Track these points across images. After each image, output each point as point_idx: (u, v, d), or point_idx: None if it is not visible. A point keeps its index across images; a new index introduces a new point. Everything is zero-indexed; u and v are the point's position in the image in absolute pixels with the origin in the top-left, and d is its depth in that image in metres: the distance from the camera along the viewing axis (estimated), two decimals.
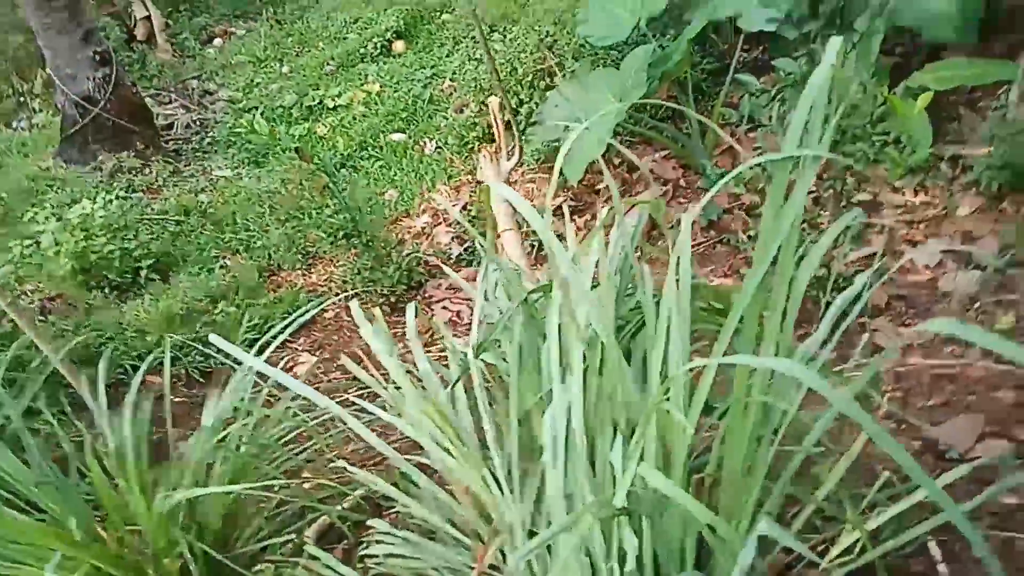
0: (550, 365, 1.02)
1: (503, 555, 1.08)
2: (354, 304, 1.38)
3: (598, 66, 3.68)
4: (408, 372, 1.31)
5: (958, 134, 2.89)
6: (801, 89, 2.79)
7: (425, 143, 4.52)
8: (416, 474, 1.21)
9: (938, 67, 2.85)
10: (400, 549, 1.21)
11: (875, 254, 2.73)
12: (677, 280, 0.94)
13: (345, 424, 1.91)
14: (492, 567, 1.08)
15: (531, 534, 1.02)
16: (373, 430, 1.31)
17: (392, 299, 3.31)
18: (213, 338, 1.22)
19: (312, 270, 3.59)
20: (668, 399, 0.87)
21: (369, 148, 4.55)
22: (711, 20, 3.11)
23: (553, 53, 4.04)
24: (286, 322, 1.80)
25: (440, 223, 3.82)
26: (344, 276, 3.45)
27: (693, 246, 2.97)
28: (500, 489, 1.06)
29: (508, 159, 2.06)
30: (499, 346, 1.17)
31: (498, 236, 2.93)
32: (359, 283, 3.31)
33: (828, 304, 2.08)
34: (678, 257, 0.97)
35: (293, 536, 1.51)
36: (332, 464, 1.51)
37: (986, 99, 2.92)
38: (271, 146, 4.61)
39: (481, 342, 1.08)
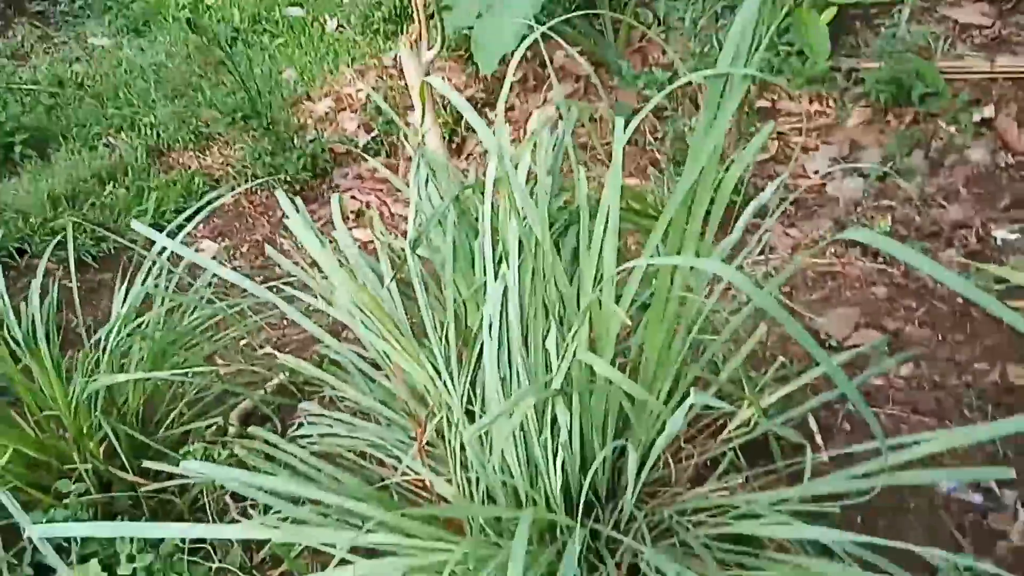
0: (485, 258, 1.05)
1: (438, 434, 1.15)
2: (280, 193, 1.35)
3: None
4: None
5: (854, 48, 3.03)
6: None
7: (326, 20, 4.27)
8: (349, 357, 1.23)
9: None
10: (335, 429, 1.26)
11: (771, 159, 2.90)
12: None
13: (254, 316, 1.91)
14: (430, 444, 1.15)
15: (468, 413, 1.09)
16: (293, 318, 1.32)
17: (296, 187, 3.21)
18: (136, 225, 1.17)
19: (207, 152, 3.40)
20: (602, 294, 0.93)
21: (264, 22, 4.26)
22: None
23: None
24: (196, 207, 1.73)
25: (344, 108, 3.68)
26: (243, 160, 3.30)
27: (603, 144, 3.03)
28: (438, 372, 1.11)
29: (429, 48, 2.00)
30: (430, 241, 1.19)
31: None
32: (260, 169, 3.18)
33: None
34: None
35: (218, 420, 1.53)
36: (252, 351, 1.51)
37: (882, 16, 3.05)
38: (154, 14, 4.22)
39: (417, 235, 1.09)
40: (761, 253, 2.31)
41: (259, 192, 3.19)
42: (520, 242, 1.04)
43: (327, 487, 1.06)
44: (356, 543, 0.93)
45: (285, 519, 0.96)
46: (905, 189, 2.57)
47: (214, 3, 4.42)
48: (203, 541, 1.38)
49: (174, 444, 1.48)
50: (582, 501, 0.95)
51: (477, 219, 1.12)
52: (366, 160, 3.43)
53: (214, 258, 2.76)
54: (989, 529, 1.44)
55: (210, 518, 1.38)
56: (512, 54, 3.20)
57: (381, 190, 3.35)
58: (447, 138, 3.28)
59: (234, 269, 2.68)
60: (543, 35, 3.80)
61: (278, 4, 4.30)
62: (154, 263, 1.63)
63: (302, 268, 1.38)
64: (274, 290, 1.58)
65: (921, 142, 2.74)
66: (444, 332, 1.10)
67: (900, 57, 2.81)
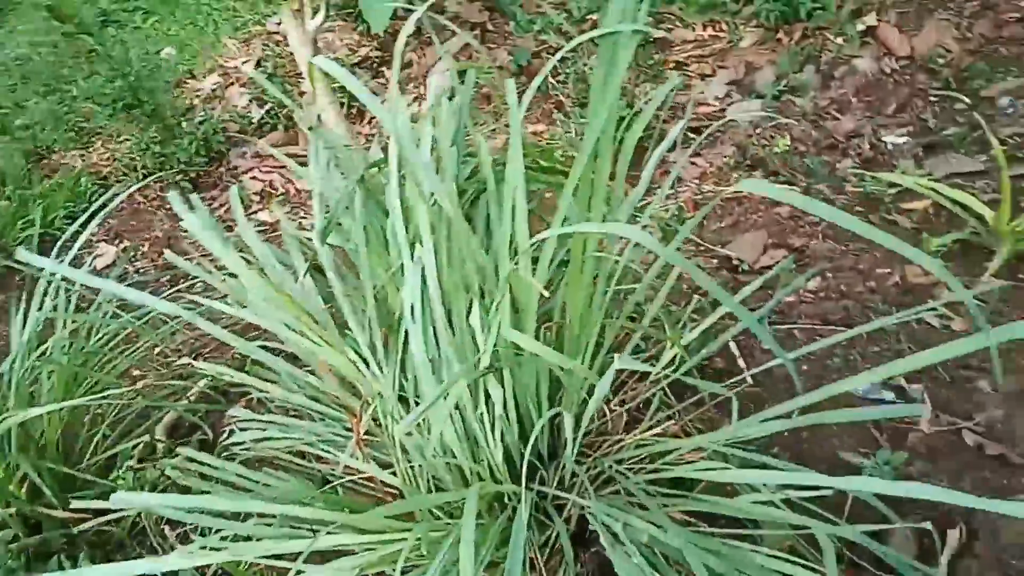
0: (398, 240, 1.03)
1: (375, 422, 1.14)
2: (172, 196, 1.28)
3: None
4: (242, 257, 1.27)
5: None
6: None
7: None
8: (270, 358, 1.20)
9: None
10: (268, 432, 1.24)
11: (672, 90, 2.92)
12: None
13: (169, 321, 1.84)
14: (367, 433, 1.14)
15: (401, 399, 1.08)
16: (208, 321, 1.27)
17: (192, 174, 3.07)
18: (22, 254, 1.09)
19: (91, 149, 3.20)
20: (518, 267, 0.93)
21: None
22: None
23: None
24: (88, 212, 1.63)
25: (233, 83, 3.51)
26: (131, 153, 3.12)
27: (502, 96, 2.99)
28: (365, 362, 1.10)
29: (313, 16, 1.91)
30: (340, 226, 1.16)
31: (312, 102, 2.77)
32: (149, 160, 3.02)
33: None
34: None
35: (144, 438, 1.47)
36: (169, 361, 1.46)
37: None
38: (10, 1, 3.89)
39: (325, 225, 1.06)
40: (672, 187, 2.37)
41: (153, 185, 3.03)
42: (431, 220, 1.02)
43: (268, 497, 1.05)
44: (307, 548, 0.92)
45: (229, 538, 0.94)
46: (799, 105, 2.65)
47: None
48: None
49: (101, 470, 1.43)
50: (524, 466, 0.97)
51: (384, 198, 1.09)
52: (262, 136, 3.30)
53: (114, 263, 2.63)
54: (901, 422, 1.55)
55: (152, 542, 1.34)
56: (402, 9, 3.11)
57: (284, 167, 3.23)
58: (346, 104, 3.18)
59: (136, 272, 2.57)
60: None
61: None
62: (50, 281, 1.54)
63: (207, 269, 1.32)
64: (181, 293, 1.52)
65: (812, 57, 2.81)
66: (366, 320, 1.09)
67: None
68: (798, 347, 1.73)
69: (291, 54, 3.48)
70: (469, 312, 0.98)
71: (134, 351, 1.57)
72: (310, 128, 1.27)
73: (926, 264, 0.76)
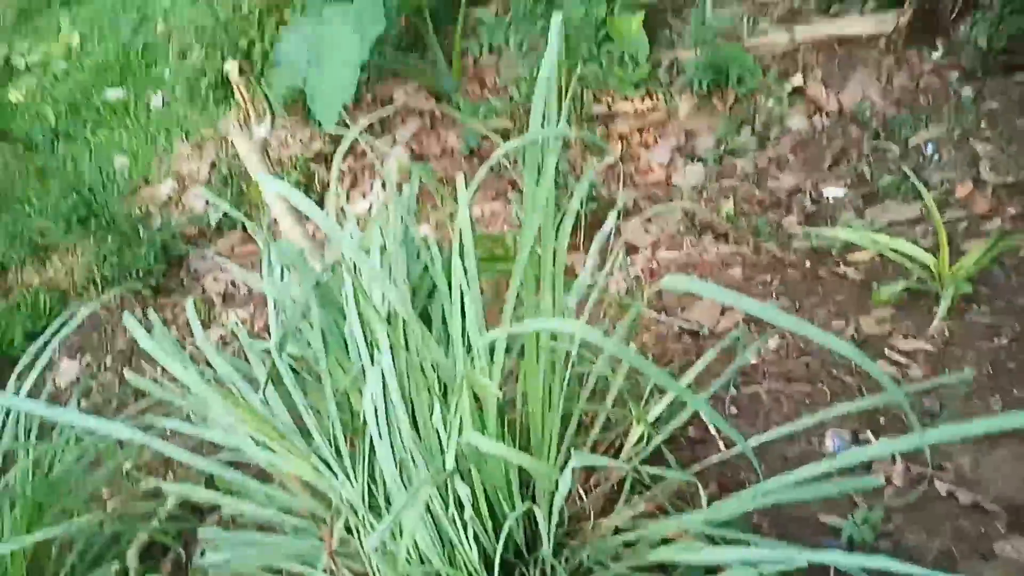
0: (357, 345, 1.05)
1: (348, 531, 1.13)
2: (128, 318, 1.28)
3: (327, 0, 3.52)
4: (199, 372, 1.27)
5: (670, 41, 3.21)
6: (533, 17, 2.90)
7: (150, 97, 4.10)
8: (238, 476, 1.19)
9: None
10: (239, 551, 1.21)
11: (617, 162, 3.02)
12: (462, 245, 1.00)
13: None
14: (342, 542, 1.13)
15: (371, 507, 1.08)
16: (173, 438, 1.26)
17: (152, 281, 3.06)
18: None
19: (47, 264, 3.18)
20: (474, 366, 0.95)
21: (83, 111, 4.04)
22: None
23: None
24: (48, 333, 1.62)
25: (188, 187, 3.54)
26: (89, 266, 3.11)
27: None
28: (332, 471, 1.10)
29: (259, 123, 1.95)
30: (299, 332, 1.17)
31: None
32: (108, 271, 3.01)
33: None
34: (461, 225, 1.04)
35: (115, 564, 1.43)
36: (138, 479, 1.43)
37: (688, 5, 3.25)
38: None
39: (282, 337, 1.07)
40: (626, 256, 2.42)
41: (113, 297, 3.02)
42: (388, 320, 1.04)
43: None
44: None
45: None
46: (741, 167, 2.76)
47: (22, 100, 4.14)
48: None
49: None
50: (497, 567, 0.96)
51: (340, 302, 1.11)
52: (221, 237, 3.32)
53: (77, 379, 2.59)
54: (875, 477, 1.57)
55: None
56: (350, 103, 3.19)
57: (245, 265, 3.24)
58: (304, 188, 3.22)
59: (100, 388, 2.53)
60: (381, 74, 3.84)
61: (95, 89, 4.10)
62: (8, 411, 1.51)
63: (170, 385, 1.32)
64: (147, 409, 1.51)
65: (746, 120, 2.94)
66: (330, 426, 1.09)
67: (711, 43, 3.00)
68: (764, 409, 1.77)
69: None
70: (431, 413, 0.99)
71: (101, 472, 1.53)
72: (265, 239, 1.29)
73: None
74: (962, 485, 1.51)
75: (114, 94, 4.12)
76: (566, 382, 1.06)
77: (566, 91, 1.21)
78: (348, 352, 1.09)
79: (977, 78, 2.61)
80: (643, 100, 3.25)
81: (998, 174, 2.21)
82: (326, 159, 3.44)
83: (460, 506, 0.99)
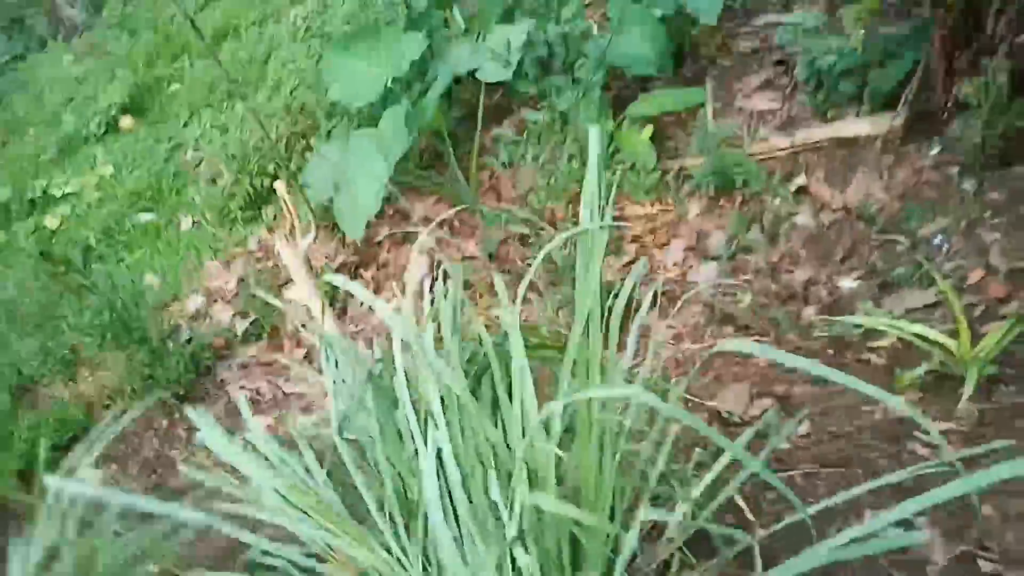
0: (410, 427, 1.09)
1: None
2: (190, 411, 1.33)
3: (356, 126, 3.76)
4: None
5: (675, 150, 3.39)
6: (548, 133, 3.10)
7: (180, 220, 4.29)
8: (286, 555, 1.19)
9: (648, 98, 3.34)
10: None
11: (634, 260, 3.13)
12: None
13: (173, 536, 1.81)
14: None
15: None
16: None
17: (181, 392, 3.12)
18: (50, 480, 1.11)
19: (77, 378, 3.25)
20: (533, 440, 0.99)
21: (115, 235, 4.22)
22: (455, 74, 3.35)
23: (303, 115, 4.06)
24: (85, 442, 1.65)
25: (216, 301, 3.65)
26: (117, 378, 3.18)
27: (481, 279, 3.16)
28: (388, 551, 1.10)
29: (303, 236, 2.07)
30: (349, 422, 1.21)
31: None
32: (137, 383, 3.07)
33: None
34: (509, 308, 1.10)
35: None
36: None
37: (690, 119, 3.46)
38: None
39: (342, 420, 1.12)
40: (654, 351, 2.47)
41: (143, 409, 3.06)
42: (443, 401, 1.08)
43: None
44: None
45: None
46: (754, 262, 2.85)
47: (59, 226, 4.34)
48: None
49: None
50: None
51: (392, 390, 1.16)
52: (247, 347, 3.39)
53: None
54: (916, 559, 1.55)
55: None
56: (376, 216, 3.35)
57: (269, 375, 3.30)
58: (330, 303, 3.32)
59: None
60: (403, 190, 4.03)
61: (126, 215, 4.29)
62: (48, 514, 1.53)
63: (221, 476, 1.34)
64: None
65: (755, 219, 3.06)
66: (387, 508, 1.11)
67: (715, 151, 3.17)
68: (801, 493, 1.76)
69: (272, 267, 3.67)
70: (487, 487, 1.02)
71: (141, 570, 1.53)
72: (317, 334, 1.36)
73: (893, 403, 0.84)
74: (1006, 563, 1.49)
75: (145, 217, 4.31)
76: (616, 456, 1.09)
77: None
78: (401, 438, 1.12)
79: (976, 172, 2.73)
80: (653, 205, 3.39)
81: (1009, 259, 2.29)
82: (350, 269, 3.56)
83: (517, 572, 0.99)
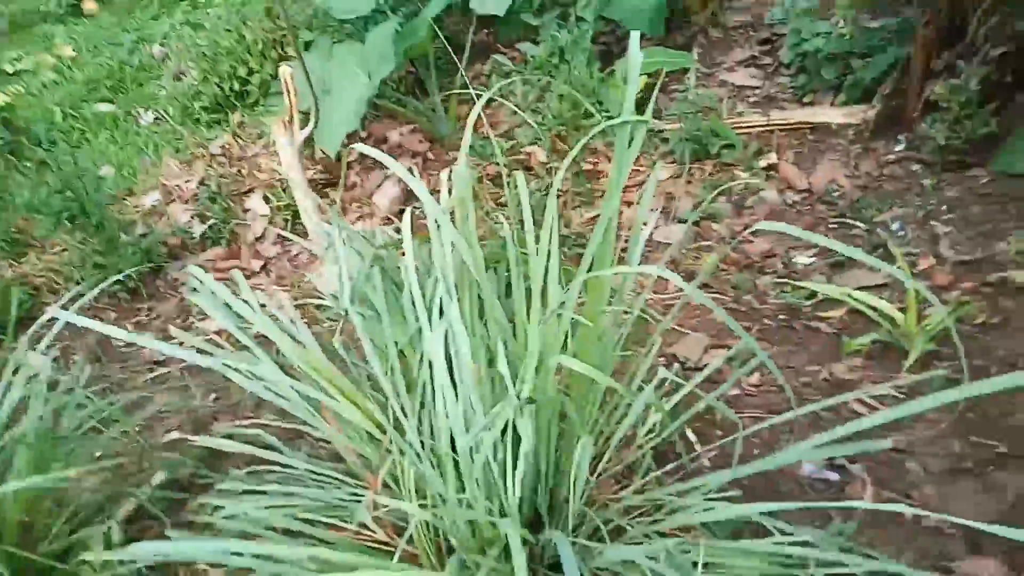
0: (415, 308, 1.11)
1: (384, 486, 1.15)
2: (191, 267, 1.32)
3: (336, 39, 3.68)
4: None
5: (656, 112, 3.44)
6: (545, 69, 3.09)
7: (140, 115, 4.13)
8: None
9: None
10: (260, 501, 1.21)
11: (598, 215, 3.19)
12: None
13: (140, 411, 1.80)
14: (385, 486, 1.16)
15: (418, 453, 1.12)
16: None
17: (131, 284, 3.04)
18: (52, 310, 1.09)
19: (22, 259, 3.13)
20: (550, 312, 1.03)
21: (70, 120, 4.04)
22: (448, 2, 3.31)
23: (277, 24, 3.93)
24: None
25: (174, 200, 3.56)
26: (63, 263, 3.08)
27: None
28: (391, 416, 1.13)
29: (302, 128, 2.04)
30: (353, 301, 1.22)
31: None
32: (87, 272, 2.98)
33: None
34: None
35: (104, 526, 1.40)
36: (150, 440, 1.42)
37: (674, 83, 3.52)
38: None
39: (353, 289, 1.13)
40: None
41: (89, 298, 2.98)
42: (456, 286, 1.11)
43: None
44: None
45: None
46: (717, 230, 2.95)
47: (7, 103, 4.12)
48: None
49: (59, 559, 1.34)
50: (545, 509, 1.01)
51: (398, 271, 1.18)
52: (204, 251, 3.33)
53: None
54: (848, 499, 1.68)
55: None
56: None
57: (225, 280, 3.24)
58: (289, 222, 3.28)
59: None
60: (379, 114, 3.98)
61: (85, 101, 4.11)
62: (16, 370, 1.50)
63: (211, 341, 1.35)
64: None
65: (723, 189, 3.15)
66: (390, 373, 1.14)
67: (693, 118, 3.25)
68: (746, 435, 1.87)
69: (236, 174, 3.59)
70: (490, 363, 1.06)
71: (102, 439, 1.52)
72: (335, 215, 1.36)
73: None
74: (927, 510, 1.63)
75: (104, 107, 4.13)
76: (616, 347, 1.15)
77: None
78: (405, 319, 1.15)
79: (936, 171, 2.88)
80: None
81: (956, 252, 2.44)
82: (317, 186, 3.51)
83: (514, 447, 1.04)
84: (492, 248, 1.82)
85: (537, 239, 1.19)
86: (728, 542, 1.09)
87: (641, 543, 1.05)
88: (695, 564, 0.99)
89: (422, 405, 1.10)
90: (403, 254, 1.12)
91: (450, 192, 1.28)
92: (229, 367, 1.16)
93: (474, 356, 1.07)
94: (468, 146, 1.16)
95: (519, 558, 0.79)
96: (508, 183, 3.11)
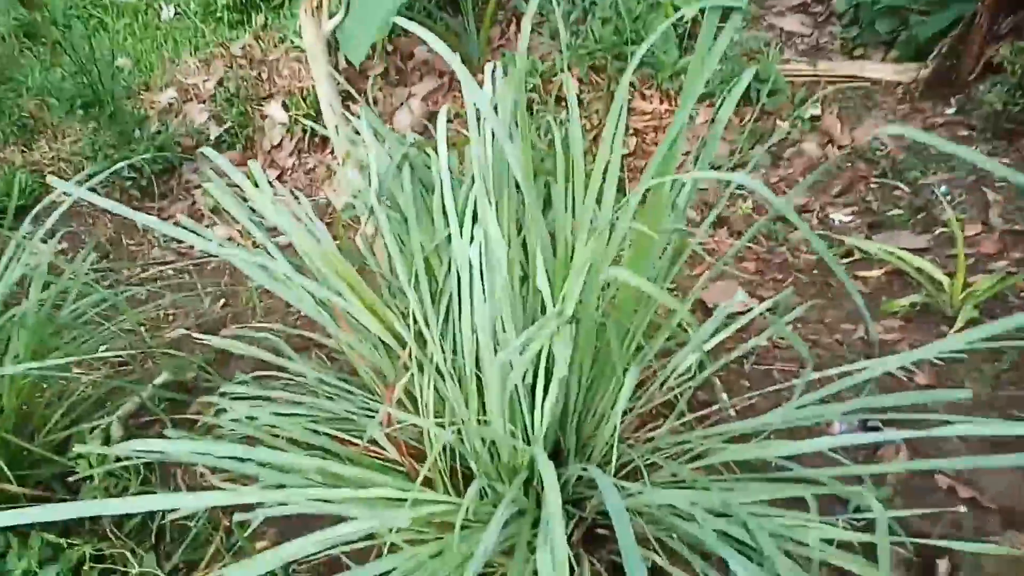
0: (445, 210, 1.02)
1: (398, 404, 1.08)
2: (210, 151, 1.22)
3: None
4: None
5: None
6: None
7: (160, 6, 3.96)
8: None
9: None
10: (267, 407, 1.14)
11: (630, 154, 3.06)
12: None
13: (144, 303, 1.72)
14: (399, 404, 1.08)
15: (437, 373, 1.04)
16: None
17: (142, 182, 2.95)
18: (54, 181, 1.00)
19: (33, 145, 3.02)
20: (605, 220, 0.94)
21: (89, 7, 3.88)
22: None
23: None
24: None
25: (191, 99, 3.43)
26: (74, 153, 2.97)
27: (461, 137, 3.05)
28: (412, 327, 1.05)
29: (330, 17, 1.91)
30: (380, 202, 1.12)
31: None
32: (98, 164, 2.88)
33: None
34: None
35: (103, 422, 1.34)
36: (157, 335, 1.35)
37: (720, 22, 3.32)
38: None
39: (380, 185, 1.04)
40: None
41: (96, 188, 2.89)
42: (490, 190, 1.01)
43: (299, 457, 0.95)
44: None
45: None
46: (753, 178, 2.82)
47: None
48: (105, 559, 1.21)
49: (56, 451, 1.29)
50: (572, 443, 0.94)
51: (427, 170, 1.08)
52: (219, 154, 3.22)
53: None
54: (880, 462, 1.61)
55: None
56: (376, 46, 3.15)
57: (238, 186, 3.14)
58: (307, 133, 3.16)
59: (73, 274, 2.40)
60: (406, 30, 3.80)
61: None
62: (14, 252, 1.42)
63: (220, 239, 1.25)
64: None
65: (762, 138, 3.01)
66: (415, 283, 1.05)
67: (737, 60, 3.08)
68: (776, 386, 1.80)
69: (255, 77, 3.45)
70: (524, 280, 0.97)
71: (106, 333, 1.45)
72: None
73: None
74: (961, 482, 1.56)
75: None
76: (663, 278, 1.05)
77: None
78: (434, 223, 1.05)
79: (986, 138, 2.73)
80: (662, 102, 3.30)
81: (1006, 221, 2.32)
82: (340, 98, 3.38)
83: (547, 373, 0.96)
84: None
85: (594, 145, 1.08)
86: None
87: (676, 484, 0.98)
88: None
89: (446, 319, 1.01)
90: (435, 150, 1.03)
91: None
92: (242, 260, 1.07)
93: (509, 269, 0.97)
94: (528, 37, 1.04)
95: (552, 486, 0.72)
96: (539, 111, 2.99)
